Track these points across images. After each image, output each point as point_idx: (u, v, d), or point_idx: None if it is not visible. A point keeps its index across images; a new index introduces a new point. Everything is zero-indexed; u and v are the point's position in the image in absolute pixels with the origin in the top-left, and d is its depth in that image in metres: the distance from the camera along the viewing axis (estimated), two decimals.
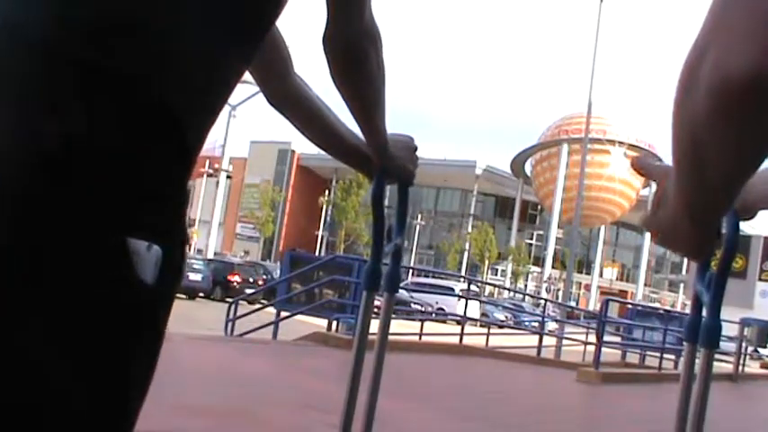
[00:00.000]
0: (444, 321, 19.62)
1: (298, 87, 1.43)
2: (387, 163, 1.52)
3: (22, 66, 0.79)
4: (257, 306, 13.30)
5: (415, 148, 1.56)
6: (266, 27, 0.97)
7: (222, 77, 0.92)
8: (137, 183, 0.81)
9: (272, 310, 11.95)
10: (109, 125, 0.79)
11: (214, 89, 0.91)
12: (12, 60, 0.79)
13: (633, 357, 15.91)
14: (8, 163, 0.76)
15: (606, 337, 12.41)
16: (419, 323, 13.31)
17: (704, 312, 1.66)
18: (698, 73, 0.56)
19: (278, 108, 1.45)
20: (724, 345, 13.85)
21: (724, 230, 1.43)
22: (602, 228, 69.88)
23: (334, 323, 11.26)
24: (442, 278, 36.05)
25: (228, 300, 15.73)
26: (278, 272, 22.31)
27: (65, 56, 0.79)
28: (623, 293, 67.47)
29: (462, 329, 12.60)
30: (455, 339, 12.58)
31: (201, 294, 25.93)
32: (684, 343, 1.73)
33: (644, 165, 0.87)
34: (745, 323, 17.20)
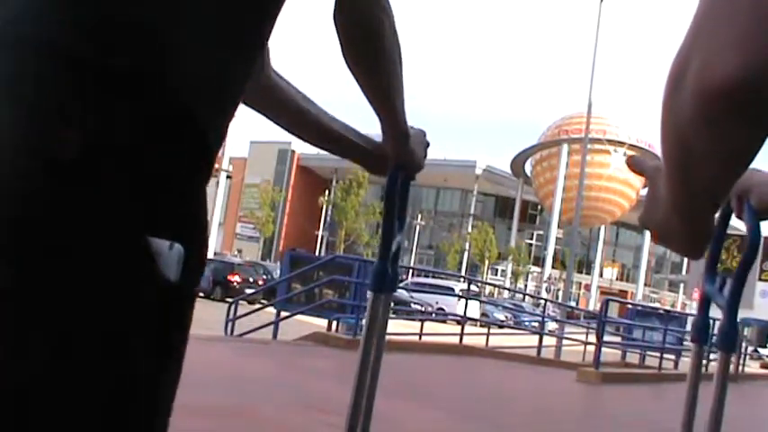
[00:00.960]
0: (444, 321, 19.62)
1: (276, 81, 1.31)
2: (405, 157, 1.41)
3: (32, 69, 0.78)
4: (257, 306, 13.30)
5: (428, 144, 1.46)
6: (272, 22, 0.96)
7: (235, 75, 0.92)
8: (156, 182, 0.81)
9: (272, 310, 11.95)
10: (125, 126, 0.79)
11: (228, 87, 0.91)
12: (21, 64, 0.79)
13: (633, 357, 15.91)
14: (23, 168, 0.76)
15: (606, 337, 12.41)
16: (419, 323, 13.31)
17: (711, 313, 1.65)
18: (683, 78, 0.57)
19: (253, 104, 1.31)
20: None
21: (738, 232, 1.42)
22: (602, 228, 69.86)
23: (334, 323, 11.27)
24: (441, 278, 36.04)
25: (228, 300, 15.74)
26: (278, 272, 22.32)
27: (75, 58, 0.79)
28: (623, 293, 67.45)
29: (462, 329, 12.60)
30: (455, 339, 12.58)
31: (201, 294, 25.76)
32: (690, 343, 1.71)
33: (637, 162, 0.88)
34: (745, 323, 17.24)
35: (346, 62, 1.17)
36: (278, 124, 1.38)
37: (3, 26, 0.81)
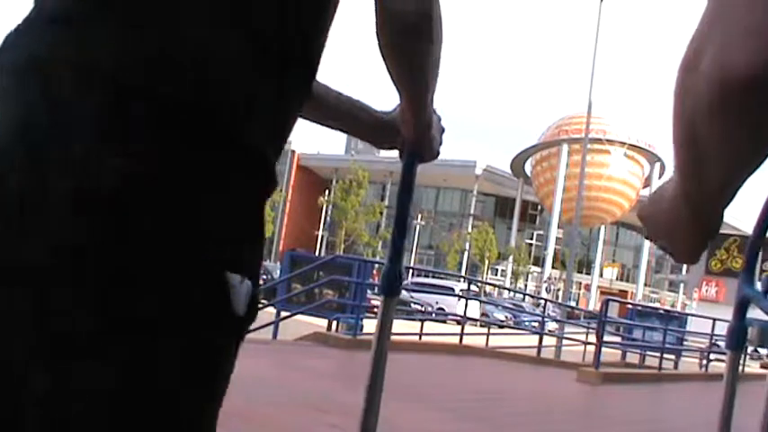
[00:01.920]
0: (444, 321, 19.60)
1: None
2: (424, 144, 1.29)
3: (88, 102, 0.76)
4: None
5: (443, 130, 1.33)
6: (322, 42, 0.94)
7: (287, 100, 0.90)
8: (225, 217, 0.80)
9: (272, 310, 11.95)
10: (187, 160, 0.77)
11: (282, 116, 0.89)
12: (75, 97, 0.76)
13: (633, 357, 15.91)
14: (88, 203, 0.74)
15: (606, 337, 12.40)
16: (419, 323, 13.30)
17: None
18: (697, 68, 0.56)
19: None
20: (724, 345, 13.82)
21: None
22: (602, 228, 69.86)
23: (334, 323, 11.27)
24: (442, 278, 36.02)
25: None
26: (278, 272, 22.30)
27: (130, 90, 0.77)
28: (623, 293, 67.39)
29: (462, 329, 12.60)
30: (455, 339, 12.58)
31: None
32: (727, 350, 1.65)
33: (643, 206, 0.84)
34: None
35: (383, 56, 1.05)
36: None
37: (47, 48, 0.79)
